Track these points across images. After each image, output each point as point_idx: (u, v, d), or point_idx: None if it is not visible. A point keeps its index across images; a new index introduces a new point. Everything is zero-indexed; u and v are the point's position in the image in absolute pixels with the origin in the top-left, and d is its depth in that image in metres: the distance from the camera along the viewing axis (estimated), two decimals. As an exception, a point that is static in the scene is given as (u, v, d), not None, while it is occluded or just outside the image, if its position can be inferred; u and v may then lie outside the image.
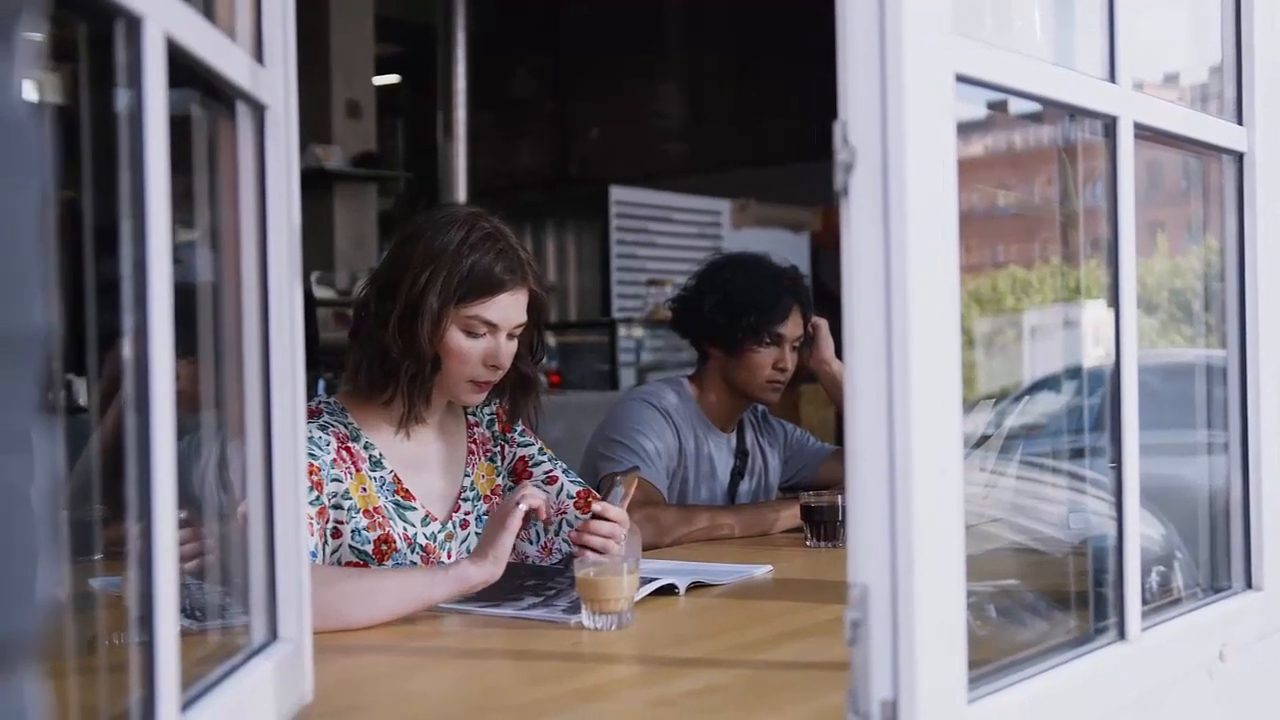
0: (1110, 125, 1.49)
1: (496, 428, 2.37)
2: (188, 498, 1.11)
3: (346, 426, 2.18)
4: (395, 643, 1.80)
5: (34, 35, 0.61)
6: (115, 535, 1.20)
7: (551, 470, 2.35)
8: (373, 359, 2.16)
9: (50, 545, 0.59)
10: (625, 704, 1.52)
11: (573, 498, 2.31)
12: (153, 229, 0.99)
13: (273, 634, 1.35)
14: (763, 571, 2.30)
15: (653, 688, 1.58)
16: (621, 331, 7.30)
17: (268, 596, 1.35)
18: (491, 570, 1.91)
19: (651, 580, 2.05)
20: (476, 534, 2.27)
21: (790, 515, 2.78)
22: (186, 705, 1.08)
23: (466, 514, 2.29)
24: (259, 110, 1.33)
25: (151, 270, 0.99)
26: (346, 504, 2.11)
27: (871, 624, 1.15)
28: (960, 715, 1.20)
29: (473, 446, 2.33)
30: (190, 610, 1.28)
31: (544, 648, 1.75)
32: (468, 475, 2.31)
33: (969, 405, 1.29)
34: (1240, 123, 1.77)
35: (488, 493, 2.33)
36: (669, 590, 2.07)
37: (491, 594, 2.01)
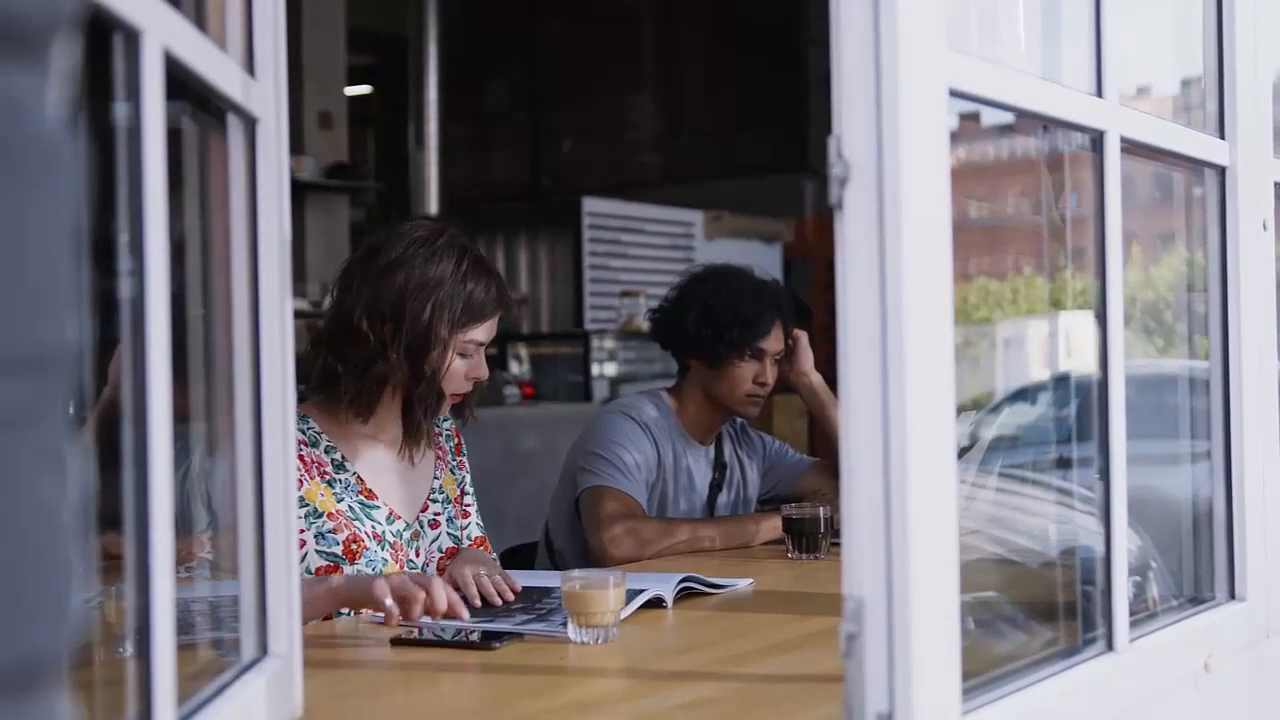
0: (1098, 139, 1.50)
1: (452, 444, 2.47)
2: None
3: (305, 432, 2.23)
4: (384, 658, 1.80)
5: (67, 53, 0.61)
6: (101, 549, 1.19)
7: (470, 506, 2.47)
8: (373, 385, 2.21)
9: (81, 562, 0.59)
10: (617, 718, 1.51)
11: (471, 540, 2.41)
12: (151, 242, 0.98)
13: (263, 649, 1.34)
14: (745, 585, 2.30)
15: (643, 701, 1.58)
16: (594, 343, 7.28)
17: (258, 612, 1.34)
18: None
19: (640, 592, 2.04)
20: (449, 534, 2.36)
21: (771, 527, 2.78)
22: (180, 722, 1.07)
23: (436, 514, 2.36)
24: (250, 123, 1.32)
25: (149, 283, 0.98)
26: (303, 510, 2.15)
27: (867, 637, 1.16)
28: (955, 727, 1.21)
29: (440, 453, 2.42)
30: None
31: (532, 662, 1.75)
32: (437, 478, 2.39)
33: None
34: (1222, 137, 1.79)
35: (455, 498, 2.42)
36: (655, 603, 2.07)
37: (482, 612, 2.01)
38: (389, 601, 1.87)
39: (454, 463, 2.46)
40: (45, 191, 0.56)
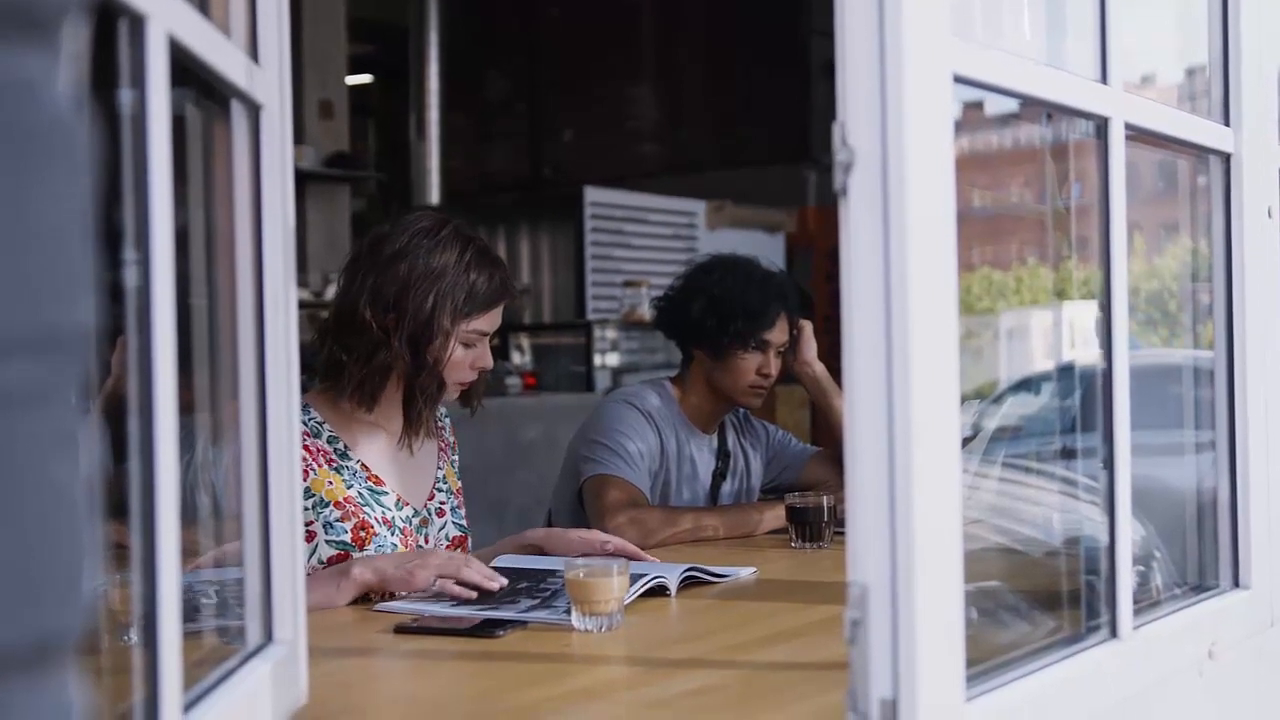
0: (1102, 126, 1.49)
1: (451, 440, 2.50)
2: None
3: (306, 423, 2.24)
4: (388, 645, 1.80)
5: (77, 34, 0.61)
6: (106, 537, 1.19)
7: (459, 504, 2.47)
8: (376, 374, 2.23)
9: (93, 544, 0.59)
10: (621, 705, 1.52)
11: (449, 540, 2.40)
12: (156, 230, 0.98)
13: (268, 636, 1.34)
14: (748, 573, 2.30)
15: (647, 689, 1.58)
16: (597, 333, 7.28)
17: (263, 599, 1.34)
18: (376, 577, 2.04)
19: (642, 576, 2.05)
20: (454, 523, 2.40)
21: (774, 516, 2.78)
22: (186, 708, 1.07)
23: (441, 503, 2.39)
24: (254, 110, 1.32)
25: (155, 271, 0.98)
26: (310, 500, 2.17)
27: (871, 623, 1.16)
28: (959, 713, 1.21)
29: (442, 445, 2.45)
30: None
31: (536, 649, 1.75)
32: (440, 468, 2.42)
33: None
34: (1227, 124, 1.78)
35: (456, 490, 2.45)
36: (659, 591, 2.07)
37: (485, 597, 2.01)
38: (437, 585, 2.02)
39: (453, 457, 2.49)
40: (58, 173, 0.57)
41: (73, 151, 0.58)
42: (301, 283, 7.01)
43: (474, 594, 2.00)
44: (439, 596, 2.03)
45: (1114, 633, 1.50)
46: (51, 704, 0.56)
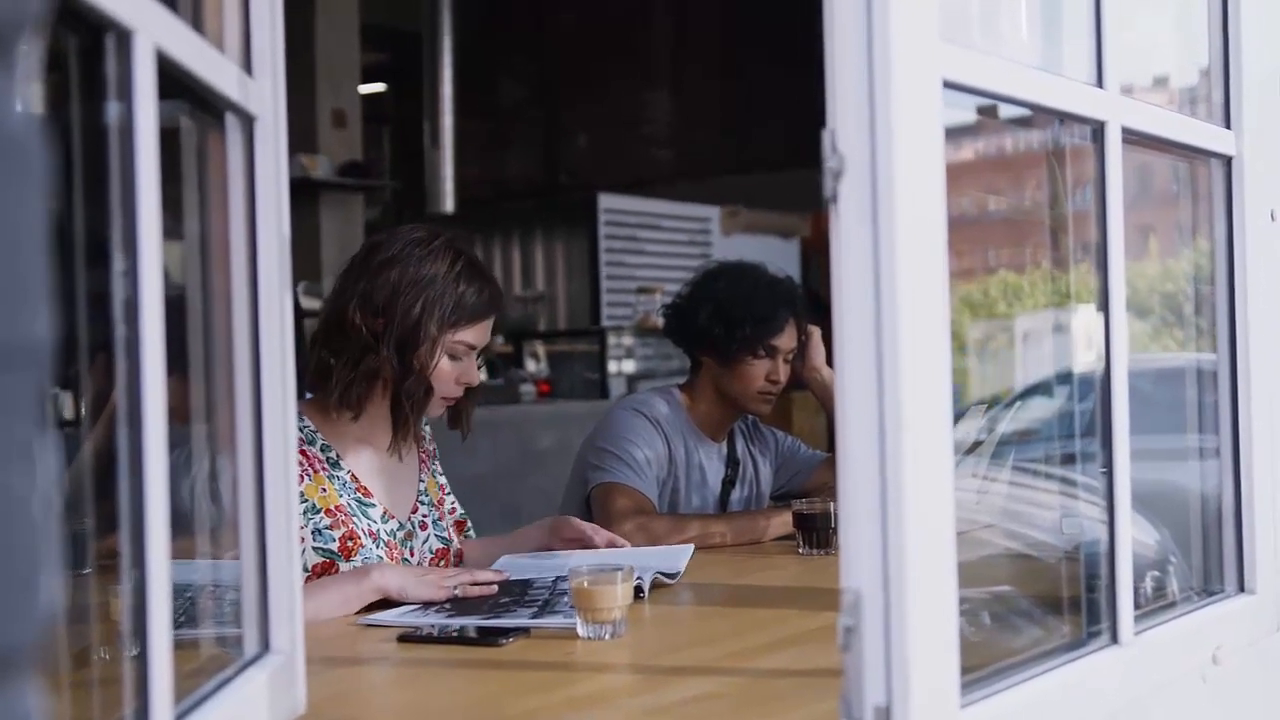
0: (1099, 130, 1.49)
1: (432, 449, 2.52)
2: (178, 511, 1.11)
3: (301, 430, 2.25)
4: (387, 654, 1.80)
5: (34, 48, 0.61)
6: (107, 549, 1.20)
7: (454, 504, 2.53)
8: (363, 379, 2.25)
9: (52, 555, 0.59)
10: (621, 712, 1.51)
11: (432, 553, 2.41)
12: (144, 242, 0.99)
13: (265, 645, 1.35)
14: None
15: (648, 696, 1.58)
16: (611, 340, 7.28)
17: (260, 608, 1.35)
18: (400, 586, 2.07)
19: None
20: (436, 535, 2.40)
21: (782, 522, 2.78)
22: (180, 717, 1.07)
23: (424, 516, 2.40)
24: (248, 121, 1.32)
25: (143, 283, 0.98)
26: (302, 506, 2.17)
27: (865, 629, 1.15)
28: (954, 721, 1.20)
29: (424, 456, 2.46)
30: (180, 620, 1.28)
31: (538, 657, 1.75)
32: (422, 481, 2.43)
33: (961, 411, 1.29)
34: (1228, 126, 1.78)
35: (437, 501, 2.46)
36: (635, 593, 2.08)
37: (477, 609, 2.01)
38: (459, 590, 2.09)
39: (434, 467, 2.50)
40: (15, 188, 0.57)
41: (29, 167, 0.58)
42: (315, 293, 7.00)
43: (494, 588, 2.11)
44: (426, 608, 2.03)
45: (1114, 638, 1.49)
46: (8, 715, 0.56)
